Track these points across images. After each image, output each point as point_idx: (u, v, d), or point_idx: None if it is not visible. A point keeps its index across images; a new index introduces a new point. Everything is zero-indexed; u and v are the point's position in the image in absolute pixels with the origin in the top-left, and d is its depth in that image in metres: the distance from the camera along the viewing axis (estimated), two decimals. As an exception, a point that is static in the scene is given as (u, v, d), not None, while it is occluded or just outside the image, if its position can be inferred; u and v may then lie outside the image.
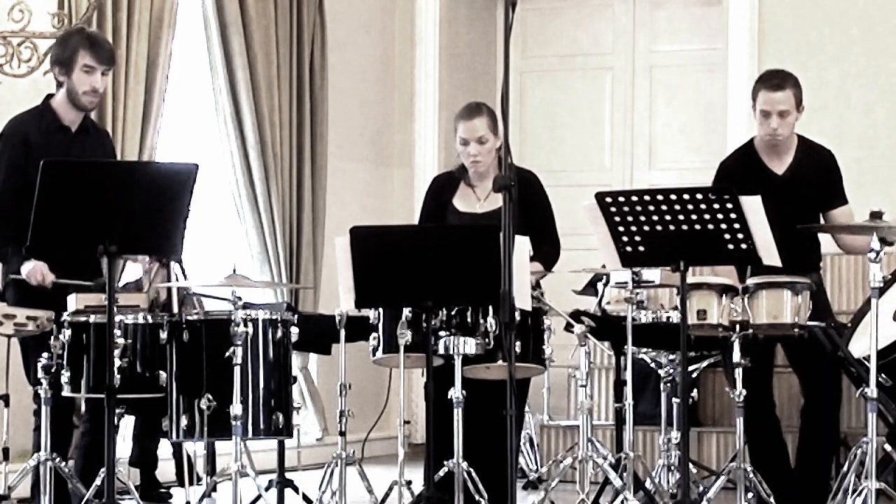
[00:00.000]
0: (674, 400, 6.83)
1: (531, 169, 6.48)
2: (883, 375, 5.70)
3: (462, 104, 6.49)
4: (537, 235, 6.17)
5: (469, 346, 5.79)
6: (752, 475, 5.99)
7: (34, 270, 5.79)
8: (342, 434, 6.34)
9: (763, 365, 6.26)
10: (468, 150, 6.23)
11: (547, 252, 6.28)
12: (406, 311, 5.80)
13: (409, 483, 6.04)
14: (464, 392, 5.77)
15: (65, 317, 5.82)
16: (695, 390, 7.17)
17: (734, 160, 6.50)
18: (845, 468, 5.92)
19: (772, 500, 6.03)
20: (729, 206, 5.39)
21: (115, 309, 5.43)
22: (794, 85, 6.31)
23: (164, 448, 7.42)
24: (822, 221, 6.39)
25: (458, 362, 5.77)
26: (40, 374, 5.75)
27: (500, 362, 5.82)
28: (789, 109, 6.26)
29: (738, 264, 6.07)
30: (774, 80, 6.33)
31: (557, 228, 6.43)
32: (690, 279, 5.78)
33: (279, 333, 5.93)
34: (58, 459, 5.78)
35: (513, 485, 4.77)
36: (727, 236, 5.45)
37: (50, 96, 6.14)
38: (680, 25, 10.17)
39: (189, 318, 5.88)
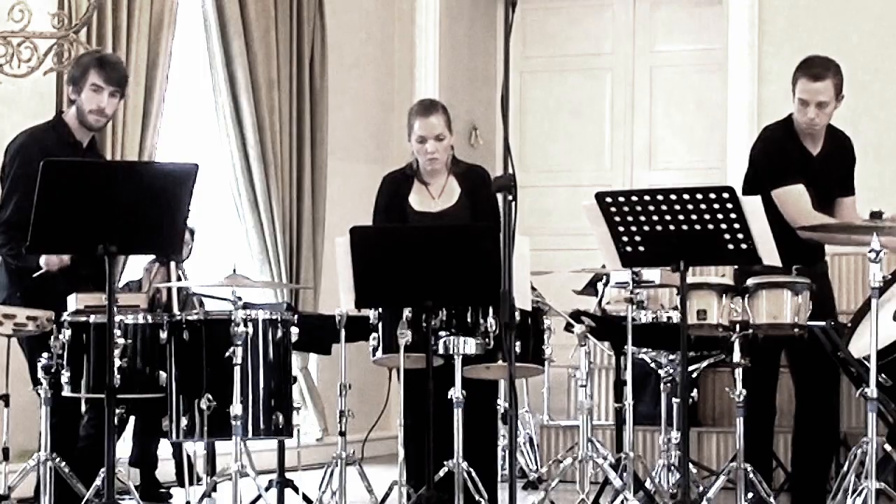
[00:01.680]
0: (674, 400, 6.83)
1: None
2: (883, 375, 5.69)
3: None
4: None
5: (469, 346, 5.79)
6: (752, 475, 5.99)
7: (50, 259, 5.84)
8: (342, 434, 6.34)
9: (768, 367, 6.26)
10: (426, 148, 6.22)
11: None
12: (406, 311, 5.80)
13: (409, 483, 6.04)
14: (464, 392, 5.77)
15: (65, 317, 5.83)
16: (695, 390, 7.17)
17: (776, 135, 6.39)
18: (845, 468, 5.91)
19: (772, 499, 6.03)
20: (729, 206, 5.39)
21: (115, 309, 5.44)
22: (835, 74, 6.20)
23: (164, 448, 7.42)
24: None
25: (458, 362, 5.77)
26: (40, 374, 5.76)
27: (500, 362, 5.82)
28: (828, 101, 6.17)
29: (738, 264, 6.07)
30: (815, 69, 6.20)
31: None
32: (690, 279, 5.77)
33: (279, 333, 5.92)
34: (58, 459, 5.78)
35: (513, 485, 4.76)
36: (727, 236, 5.45)
37: (62, 112, 6.20)
38: (680, 25, 10.17)
39: (189, 318, 5.88)
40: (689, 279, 5.69)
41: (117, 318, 5.60)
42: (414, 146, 6.26)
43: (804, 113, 6.20)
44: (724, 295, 6.02)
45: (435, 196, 6.29)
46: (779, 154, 6.31)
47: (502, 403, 6.69)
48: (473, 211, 6.19)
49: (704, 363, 7.07)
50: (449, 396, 5.74)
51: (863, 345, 5.88)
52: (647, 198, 5.49)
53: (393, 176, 6.43)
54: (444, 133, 6.22)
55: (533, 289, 6.01)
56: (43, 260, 5.87)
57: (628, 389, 6.67)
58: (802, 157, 6.29)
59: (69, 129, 6.11)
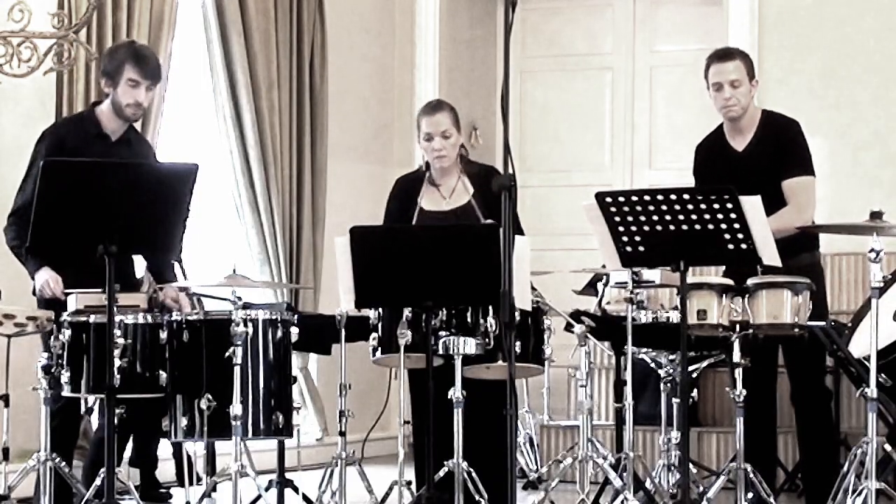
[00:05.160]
0: (674, 400, 6.83)
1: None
2: (883, 375, 5.69)
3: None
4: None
5: (469, 346, 5.79)
6: (752, 475, 5.99)
7: (44, 286, 5.88)
8: (342, 434, 6.34)
9: (766, 366, 6.26)
10: (432, 146, 6.27)
11: None
12: (406, 311, 5.80)
13: (409, 483, 6.04)
14: (464, 392, 5.77)
15: (65, 317, 5.83)
16: (695, 390, 7.17)
17: (704, 141, 6.58)
18: (845, 468, 5.91)
19: (771, 499, 6.03)
20: (729, 206, 5.39)
21: (115, 309, 5.44)
22: (744, 57, 6.38)
23: (164, 448, 7.42)
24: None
25: (458, 362, 5.77)
26: (40, 374, 5.76)
27: (500, 362, 5.82)
28: (740, 79, 6.27)
29: (738, 264, 6.06)
30: (722, 52, 6.43)
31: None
32: (690, 279, 5.78)
33: (279, 333, 5.93)
34: (58, 459, 5.78)
35: (513, 485, 4.76)
36: (727, 236, 5.45)
37: (96, 103, 6.27)
38: (680, 25, 10.17)
39: (189, 318, 5.88)
40: (689, 279, 5.69)
41: (117, 318, 5.61)
42: (422, 145, 6.32)
43: (720, 98, 6.30)
44: (724, 295, 6.01)
45: (446, 196, 6.32)
46: (696, 163, 6.51)
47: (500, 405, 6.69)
48: (489, 211, 6.16)
49: (704, 363, 7.07)
50: (449, 396, 5.75)
51: (863, 345, 5.88)
52: (647, 198, 5.49)
53: (404, 178, 6.52)
54: (450, 130, 6.26)
55: (533, 289, 6.01)
56: (38, 283, 5.91)
57: (628, 389, 6.66)
58: (723, 158, 6.33)
59: (99, 122, 6.16)
